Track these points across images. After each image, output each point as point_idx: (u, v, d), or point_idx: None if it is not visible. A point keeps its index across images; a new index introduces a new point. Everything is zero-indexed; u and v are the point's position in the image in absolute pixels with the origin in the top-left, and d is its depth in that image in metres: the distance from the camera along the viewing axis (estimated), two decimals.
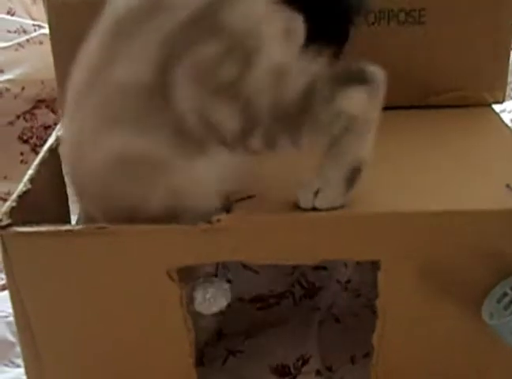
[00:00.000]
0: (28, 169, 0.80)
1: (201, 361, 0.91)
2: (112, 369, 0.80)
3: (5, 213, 0.73)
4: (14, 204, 0.75)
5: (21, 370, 0.92)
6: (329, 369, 0.92)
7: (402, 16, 0.91)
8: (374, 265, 1.02)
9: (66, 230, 0.72)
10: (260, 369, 0.91)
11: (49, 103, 1.53)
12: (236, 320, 0.98)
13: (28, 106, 1.51)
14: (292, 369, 0.91)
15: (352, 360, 0.92)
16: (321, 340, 0.95)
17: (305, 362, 0.92)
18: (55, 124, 1.49)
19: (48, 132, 1.49)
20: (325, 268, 1.07)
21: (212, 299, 0.79)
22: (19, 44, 1.52)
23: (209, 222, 0.70)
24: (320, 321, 0.98)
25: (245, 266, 1.02)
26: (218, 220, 0.70)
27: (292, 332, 0.97)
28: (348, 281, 1.07)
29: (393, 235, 0.72)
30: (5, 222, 0.72)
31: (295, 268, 1.08)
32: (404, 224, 0.72)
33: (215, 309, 0.80)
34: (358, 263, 1.06)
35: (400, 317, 0.76)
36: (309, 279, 1.07)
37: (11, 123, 1.50)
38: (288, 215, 0.72)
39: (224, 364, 0.93)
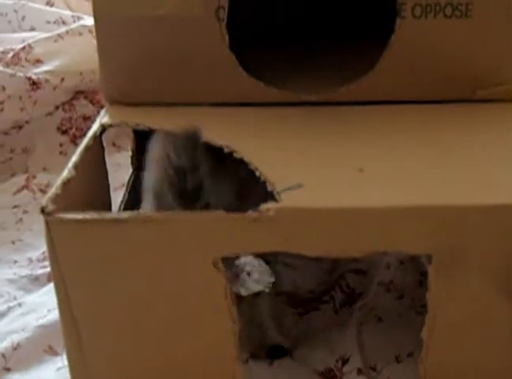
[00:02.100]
0: (67, 160, 0.80)
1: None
2: (155, 359, 0.79)
3: (51, 199, 0.72)
4: (59, 191, 0.73)
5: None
6: (373, 368, 0.90)
7: (449, 9, 0.89)
8: (417, 266, 1.02)
9: (112, 218, 0.71)
10: (306, 372, 0.90)
11: (87, 95, 1.53)
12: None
13: (66, 97, 1.51)
14: (337, 372, 0.90)
15: (397, 359, 0.90)
16: (361, 340, 0.94)
17: (345, 361, 0.91)
18: (94, 115, 1.50)
19: (87, 123, 1.49)
20: (365, 273, 1.06)
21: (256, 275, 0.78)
22: (59, 35, 1.53)
23: (258, 211, 0.69)
24: (361, 322, 0.97)
25: (286, 264, 1.01)
26: (268, 210, 0.69)
27: (332, 334, 0.96)
28: (391, 282, 1.05)
29: (447, 229, 0.70)
30: (50, 208, 0.71)
31: (334, 268, 1.06)
32: (458, 218, 0.70)
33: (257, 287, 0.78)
34: (401, 263, 1.05)
35: (451, 312, 0.74)
36: (349, 283, 1.05)
37: (50, 114, 1.51)
38: (338, 206, 0.70)
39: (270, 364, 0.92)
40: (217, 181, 0.79)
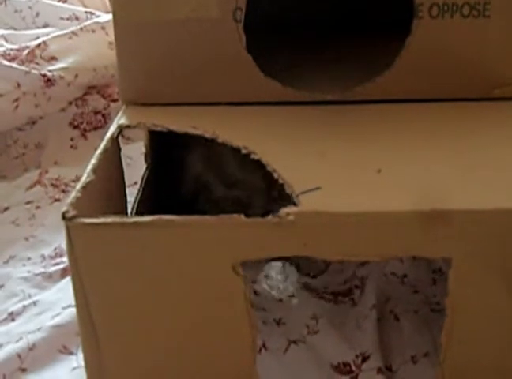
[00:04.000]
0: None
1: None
2: (173, 362, 0.80)
3: (71, 204, 0.72)
4: (79, 194, 0.73)
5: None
6: (389, 368, 0.90)
7: (466, 9, 0.88)
8: (430, 262, 1.02)
9: (133, 222, 0.71)
10: (321, 365, 0.90)
11: (99, 89, 1.54)
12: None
13: (79, 93, 1.52)
14: (353, 367, 0.90)
15: (413, 360, 0.90)
16: (381, 338, 0.94)
17: (365, 359, 0.91)
18: (105, 109, 1.50)
19: (98, 117, 1.50)
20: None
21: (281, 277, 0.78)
22: (73, 33, 1.55)
23: (278, 215, 0.69)
24: (379, 318, 0.97)
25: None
26: (287, 214, 0.69)
27: (351, 330, 0.96)
28: (405, 275, 1.05)
29: (467, 233, 0.70)
30: (71, 213, 0.71)
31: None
32: (477, 221, 0.69)
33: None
34: (414, 258, 1.05)
35: (470, 316, 0.74)
36: (357, 274, 1.06)
37: (63, 110, 1.52)
38: (357, 211, 0.70)
39: (285, 352, 0.92)
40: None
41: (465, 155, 0.79)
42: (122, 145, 1.39)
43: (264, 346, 0.93)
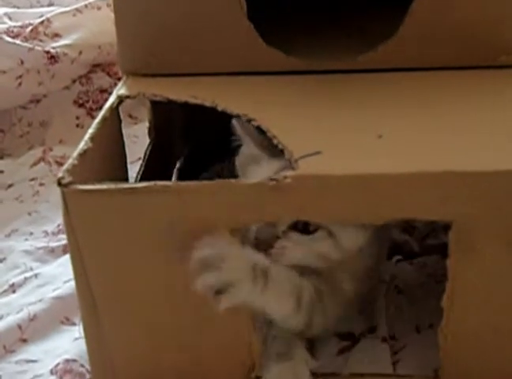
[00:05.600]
0: (83, 133, 0.79)
1: None
2: (171, 330, 0.79)
3: (67, 171, 0.71)
4: (75, 161, 0.73)
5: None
6: (393, 337, 0.90)
7: None
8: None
9: (128, 188, 0.71)
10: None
11: (105, 67, 1.53)
12: None
13: (84, 71, 1.52)
14: (357, 335, 0.90)
15: (417, 329, 0.90)
16: (387, 311, 0.93)
17: (372, 329, 0.90)
18: (111, 87, 1.49)
19: (104, 95, 1.49)
20: None
21: None
22: (77, 10, 1.54)
23: (275, 179, 0.68)
24: (385, 294, 0.96)
25: None
26: (285, 177, 0.68)
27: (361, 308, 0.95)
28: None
29: (467, 196, 0.69)
30: (67, 180, 0.70)
31: None
32: (478, 184, 0.69)
33: None
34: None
35: (471, 279, 0.73)
36: None
37: (67, 88, 1.51)
38: (355, 173, 0.69)
39: None
40: None
41: (467, 121, 0.78)
42: (129, 126, 1.41)
43: None
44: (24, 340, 0.95)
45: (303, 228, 0.77)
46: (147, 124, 1.10)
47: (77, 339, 0.94)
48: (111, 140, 0.85)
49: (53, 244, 1.16)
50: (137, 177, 0.99)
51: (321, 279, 0.81)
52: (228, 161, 0.93)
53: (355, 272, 0.85)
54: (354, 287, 0.85)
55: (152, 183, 0.70)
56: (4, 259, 1.14)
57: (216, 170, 1.07)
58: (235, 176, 0.84)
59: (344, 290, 0.84)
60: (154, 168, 1.04)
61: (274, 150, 0.75)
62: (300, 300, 0.78)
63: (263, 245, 0.77)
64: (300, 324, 0.80)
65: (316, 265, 0.80)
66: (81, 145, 0.76)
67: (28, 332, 0.96)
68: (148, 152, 1.07)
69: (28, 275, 1.08)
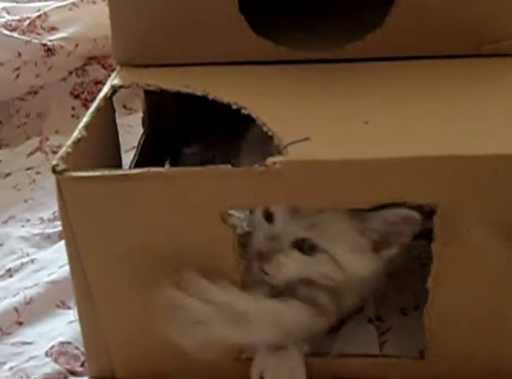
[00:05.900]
0: (79, 123, 0.81)
1: None
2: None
3: (61, 158, 0.73)
4: (70, 149, 0.75)
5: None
6: (379, 318, 0.92)
7: None
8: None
9: (122, 175, 0.73)
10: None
11: (100, 59, 1.55)
12: None
13: (80, 63, 1.53)
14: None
15: (403, 311, 0.92)
16: (375, 293, 0.94)
17: (359, 311, 0.92)
18: (106, 79, 1.51)
19: (99, 87, 1.51)
20: None
21: None
22: (73, 4, 1.56)
23: (265, 165, 0.70)
24: None
25: None
26: (274, 163, 0.70)
27: None
28: None
29: (452, 179, 0.71)
30: (61, 167, 0.72)
31: None
32: (463, 168, 0.70)
33: None
34: None
35: (455, 262, 0.75)
36: None
37: (64, 79, 1.53)
38: (343, 158, 0.71)
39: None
40: None
41: (451, 108, 0.80)
42: (123, 116, 1.42)
43: None
44: (21, 323, 0.98)
45: (309, 248, 0.79)
46: (141, 114, 1.12)
47: (71, 322, 0.96)
48: (104, 129, 0.87)
49: (49, 230, 1.19)
50: (130, 165, 1.01)
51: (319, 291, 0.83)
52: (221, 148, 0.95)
53: (359, 291, 0.87)
54: (355, 302, 0.88)
55: (145, 170, 0.72)
56: (1, 245, 1.16)
57: (208, 158, 1.09)
58: (226, 162, 0.86)
59: (344, 306, 0.86)
60: (147, 157, 1.06)
61: None
62: (283, 326, 0.79)
63: (264, 257, 0.79)
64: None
65: (321, 283, 0.81)
66: (75, 134, 0.77)
67: (24, 315, 0.98)
68: (141, 142, 1.08)
69: (24, 260, 1.11)
